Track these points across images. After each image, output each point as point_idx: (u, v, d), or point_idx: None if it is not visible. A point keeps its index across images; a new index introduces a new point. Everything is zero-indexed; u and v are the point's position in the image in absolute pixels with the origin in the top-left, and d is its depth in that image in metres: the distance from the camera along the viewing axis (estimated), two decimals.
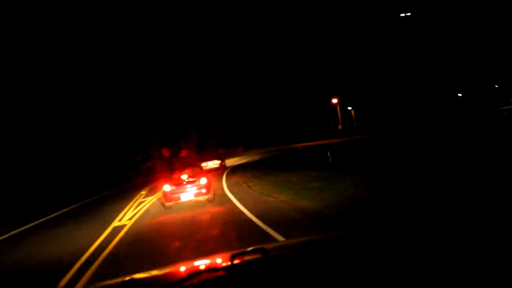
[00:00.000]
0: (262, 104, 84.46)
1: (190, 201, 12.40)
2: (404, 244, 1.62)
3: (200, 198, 12.37)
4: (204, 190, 12.28)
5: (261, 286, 1.35)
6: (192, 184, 12.29)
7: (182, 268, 2.01)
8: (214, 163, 29.75)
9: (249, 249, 1.77)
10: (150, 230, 9.75)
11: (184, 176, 12.86)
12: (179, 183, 12.37)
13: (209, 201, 12.63)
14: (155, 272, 1.97)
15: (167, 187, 12.36)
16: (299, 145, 52.73)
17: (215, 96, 76.53)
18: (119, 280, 1.65)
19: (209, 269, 1.59)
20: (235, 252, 1.69)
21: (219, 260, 2.00)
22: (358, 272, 1.32)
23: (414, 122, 52.23)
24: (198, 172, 13.48)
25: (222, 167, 29.90)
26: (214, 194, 13.26)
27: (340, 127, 56.93)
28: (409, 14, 39.26)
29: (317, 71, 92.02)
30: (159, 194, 16.28)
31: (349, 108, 63.30)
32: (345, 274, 1.33)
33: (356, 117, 62.77)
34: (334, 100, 58.60)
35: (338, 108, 57.37)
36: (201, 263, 2.03)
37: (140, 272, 1.92)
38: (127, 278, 1.65)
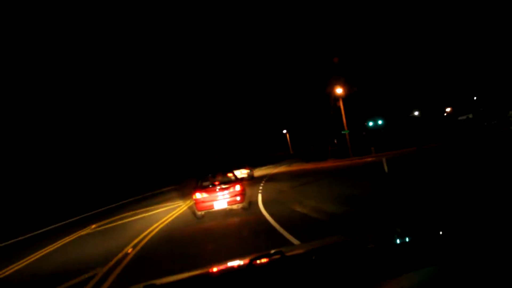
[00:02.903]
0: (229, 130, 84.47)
1: (224, 209, 11.52)
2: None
3: (235, 207, 11.46)
4: (238, 198, 11.38)
5: (278, 285, 1.38)
6: (226, 191, 11.40)
7: (203, 272, 2.02)
8: (241, 172, 27.20)
9: (272, 251, 1.77)
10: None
11: (217, 183, 12.00)
12: (211, 191, 11.51)
13: (244, 209, 11.70)
14: (177, 277, 1.95)
15: (198, 195, 11.52)
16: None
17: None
18: (141, 285, 1.62)
19: (231, 271, 1.68)
20: (254, 255, 1.69)
21: (240, 262, 2.02)
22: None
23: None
24: (231, 179, 12.64)
25: (250, 178, 27.25)
26: (249, 202, 12.32)
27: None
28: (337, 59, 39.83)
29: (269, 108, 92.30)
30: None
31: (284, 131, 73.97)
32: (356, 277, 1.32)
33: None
34: (284, 131, 74.54)
35: (288, 136, 73.65)
36: (223, 266, 2.05)
37: (161, 278, 1.90)
38: (148, 283, 1.63)
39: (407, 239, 1.95)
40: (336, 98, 39.06)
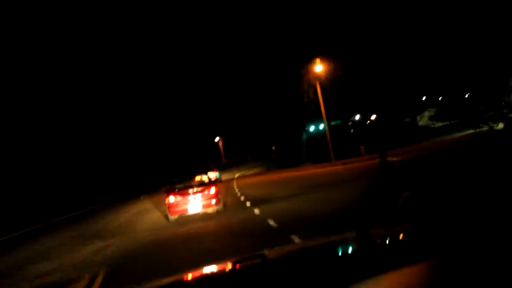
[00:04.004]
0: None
1: (198, 213, 11.05)
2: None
3: (210, 210, 11.02)
4: (213, 201, 10.95)
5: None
6: (200, 194, 10.95)
7: (183, 277, 2.03)
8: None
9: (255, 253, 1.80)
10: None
11: (191, 186, 11.52)
12: (185, 194, 11.03)
13: (218, 212, 11.28)
14: (157, 283, 1.90)
15: (172, 198, 11.02)
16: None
17: None
18: None
19: (211, 276, 1.63)
20: (236, 259, 1.74)
21: (221, 267, 2.02)
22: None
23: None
24: (205, 181, 12.23)
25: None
26: (225, 204, 11.91)
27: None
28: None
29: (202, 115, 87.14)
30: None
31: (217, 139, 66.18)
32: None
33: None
34: (217, 138, 65.06)
35: (221, 144, 64.13)
36: (204, 271, 2.06)
37: (144, 282, 1.88)
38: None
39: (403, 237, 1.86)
40: (311, 83, 29.98)
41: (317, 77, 29.35)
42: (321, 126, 32.51)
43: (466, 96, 38.30)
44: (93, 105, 58.33)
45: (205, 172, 22.90)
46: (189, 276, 2.05)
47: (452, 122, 43.07)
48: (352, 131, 39.34)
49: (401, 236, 1.88)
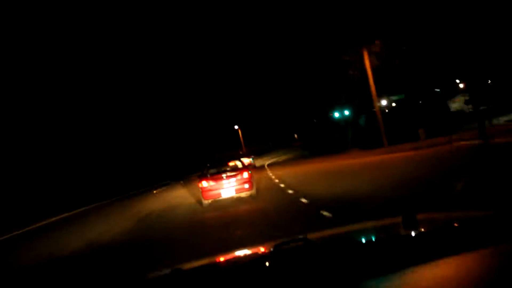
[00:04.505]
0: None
1: (231, 197, 11.00)
2: None
3: (243, 195, 10.94)
4: (247, 185, 10.85)
5: (303, 272, 1.35)
6: (233, 179, 10.86)
7: (228, 258, 2.06)
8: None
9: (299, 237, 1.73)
10: None
11: (224, 171, 11.48)
12: (218, 178, 10.98)
13: (252, 197, 11.18)
14: (201, 262, 1.97)
15: (205, 183, 11.00)
16: None
17: None
18: (168, 270, 1.63)
19: (253, 258, 1.65)
20: (278, 241, 1.68)
21: (263, 249, 2.02)
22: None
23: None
24: (238, 166, 12.15)
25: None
26: (258, 189, 11.80)
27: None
28: None
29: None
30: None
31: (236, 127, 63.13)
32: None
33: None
34: (236, 126, 61.80)
35: (240, 132, 60.57)
36: (246, 253, 2.08)
37: (186, 263, 1.94)
38: (175, 267, 1.64)
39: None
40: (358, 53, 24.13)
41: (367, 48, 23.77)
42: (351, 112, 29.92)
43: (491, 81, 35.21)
44: (112, 96, 59.54)
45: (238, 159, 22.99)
46: (230, 258, 2.08)
47: (486, 107, 40.52)
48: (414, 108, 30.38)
49: (456, 223, 1.79)
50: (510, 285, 1.04)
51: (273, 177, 18.47)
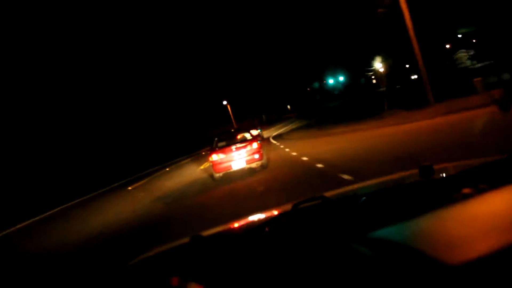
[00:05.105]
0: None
1: (243, 169, 11.04)
2: None
3: (254, 165, 10.96)
4: (257, 156, 10.85)
5: (319, 227, 1.38)
6: (243, 150, 10.86)
7: (247, 222, 2.06)
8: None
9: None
10: None
11: (233, 143, 11.47)
12: (228, 151, 10.98)
13: (263, 167, 11.20)
14: (220, 229, 1.99)
15: (215, 156, 11.01)
16: None
17: None
18: (188, 238, 1.64)
19: (273, 219, 1.58)
20: (296, 201, 1.67)
21: (281, 210, 1.98)
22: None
23: None
24: (247, 137, 12.11)
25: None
26: (268, 159, 11.81)
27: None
28: None
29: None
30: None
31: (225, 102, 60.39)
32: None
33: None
34: (225, 102, 58.54)
35: (229, 107, 57.28)
36: (265, 215, 2.06)
37: (205, 230, 1.92)
38: (195, 235, 1.63)
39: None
40: None
41: None
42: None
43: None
44: (95, 84, 58.22)
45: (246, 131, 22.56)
46: (249, 221, 2.09)
47: (489, 62, 38.33)
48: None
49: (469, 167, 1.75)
50: None
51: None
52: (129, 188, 20.67)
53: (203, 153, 27.93)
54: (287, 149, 17.60)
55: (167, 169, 29.56)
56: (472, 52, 37.27)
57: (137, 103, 61.34)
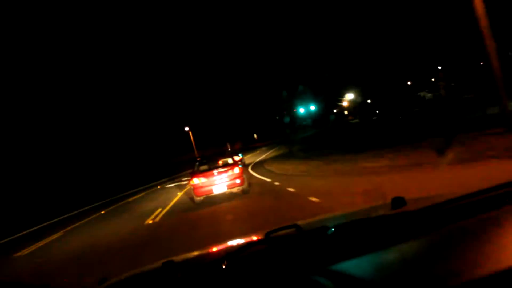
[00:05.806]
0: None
1: (224, 193, 11.07)
2: None
3: (235, 190, 11.01)
4: (238, 181, 10.92)
5: (294, 259, 1.38)
6: (225, 175, 10.93)
7: (219, 249, 2.05)
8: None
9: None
10: None
11: (215, 167, 11.54)
12: (209, 175, 11.03)
13: (244, 192, 11.26)
14: (193, 254, 2.00)
15: (196, 180, 11.04)
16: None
17: None
18: (158, 263, 1.68)
19: (246, 247, 1.55)
20: (270, 230, 1.68)
21: (255, 238, 2.02)
22: None
23: None
24: (228, 162, 12.21)
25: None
26: (249, 184, 11.88)
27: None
28: None
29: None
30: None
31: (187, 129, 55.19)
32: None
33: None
34: (186, 128, 54.24)
35: (191, 134, 53.18)
36: (238, 242, 2.08)
37: (177, 255, 1.94)
38: (166, 260, 1.67)
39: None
40: None
41: None
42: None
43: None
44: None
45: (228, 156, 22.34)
46: (222, 247, 2.08)
47: (468, 96, 38.56)
48: None
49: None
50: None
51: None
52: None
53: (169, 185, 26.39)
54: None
55: (102, 212, 19.84)
56: None
57: (93, 131, 55.27)
